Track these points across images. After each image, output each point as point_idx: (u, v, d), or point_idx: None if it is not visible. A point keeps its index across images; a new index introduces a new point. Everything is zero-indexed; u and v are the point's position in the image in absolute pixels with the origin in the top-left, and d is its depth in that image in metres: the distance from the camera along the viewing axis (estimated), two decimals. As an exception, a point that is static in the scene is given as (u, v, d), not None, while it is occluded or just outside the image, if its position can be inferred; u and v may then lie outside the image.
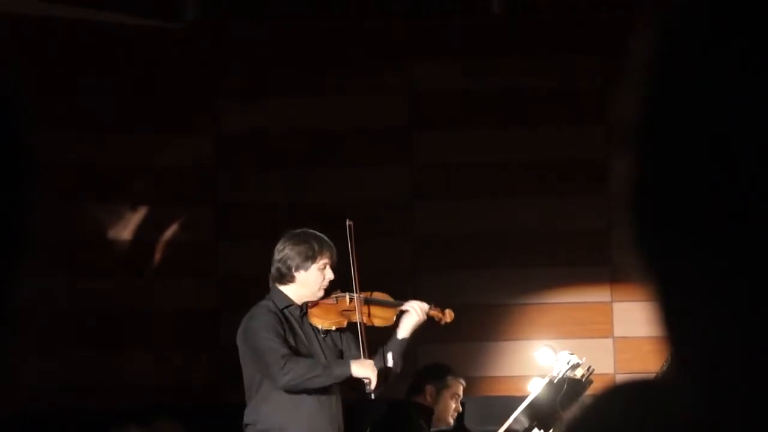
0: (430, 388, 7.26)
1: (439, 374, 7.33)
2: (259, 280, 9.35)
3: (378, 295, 6.69)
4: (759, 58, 0.80)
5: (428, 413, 7.10)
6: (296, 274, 6.41)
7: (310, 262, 6.38)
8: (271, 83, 9.44)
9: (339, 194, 9.33)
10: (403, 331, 6.53)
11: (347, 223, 6.55)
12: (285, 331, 6.35)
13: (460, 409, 7.30)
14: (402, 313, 6.61)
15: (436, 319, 6.71)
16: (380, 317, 6.59)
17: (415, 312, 6.55)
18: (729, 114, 0.80)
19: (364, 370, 6.30)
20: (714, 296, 0.81)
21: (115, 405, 8.94)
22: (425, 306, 6.60)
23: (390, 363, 6.44)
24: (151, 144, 9.31)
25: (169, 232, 9.32)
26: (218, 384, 9.17)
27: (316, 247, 6.38)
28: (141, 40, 9.30)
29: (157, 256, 9.30)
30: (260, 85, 9.44)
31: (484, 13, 9.38)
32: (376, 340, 6.62)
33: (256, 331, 6.30)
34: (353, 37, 9.45)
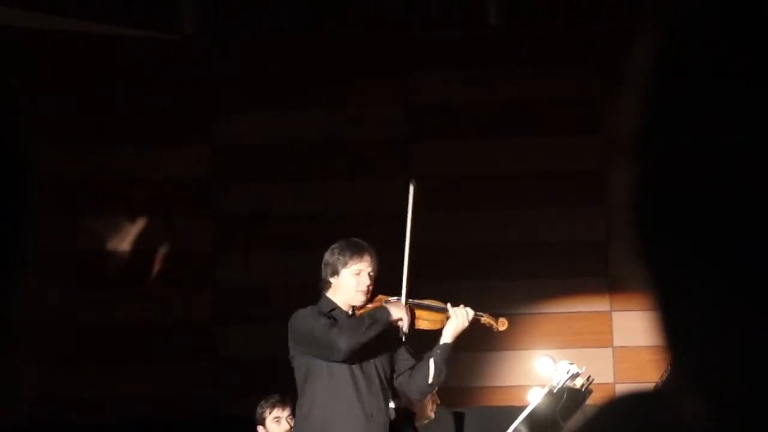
0: None
1: None
2: (257, 291, 9.37)
3: (426, 300, 6.79)
4: (760, 62, 0.80)
5: (409, 415, 7.06)
6: (332, 279, 6.58)
7: (341, 267, 6.55)
8: (269, 95, 9.45)
9: (337, 206, 9.34)
10: (445, 336, 6.68)
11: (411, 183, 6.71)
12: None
13: (438, 401, 7.24)
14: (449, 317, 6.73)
15: (488, 326, 6.82)
16: (428, 320, 6.70)
17: (456, 317, 6.65)
18: (729, 119, 0.80)
19: (398, 311, 6.50)
20: (714, 304, 0.81)
21: (113, 417, 8.94)
22: (470, 313, 6.68)
23: (432, 368, 6.54)
24: (149, 156, 9.32)
25: (167, 244, 9.32)
26: (216, 396, 9.16)
27: (349, 253, 6.56)
28: (139, 52, 9.31)
29: (155, 267, 9.30)
30: (258, 97, 9.45)
31: (482, 26, 9.38)
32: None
33: (303, 321, 6.47)
34: (351, 49, 9.46)
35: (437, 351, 6.64)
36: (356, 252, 6.58)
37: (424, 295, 6.85)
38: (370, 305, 6.62)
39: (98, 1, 9.13)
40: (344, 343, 6.37)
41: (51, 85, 9.01)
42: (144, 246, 9.25)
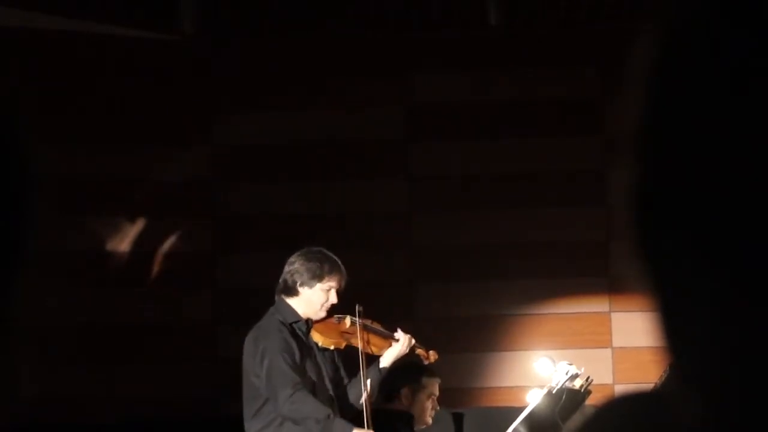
0: (405, 391, 7.14)
1: (413, 376, 7.20)
2: (257, 292, 9.35)
3: (376, 325, 6.77)
4: (760, 62, 0.80)
5: (408, 418, 7.05)
6: (300, 290, 6.47)
7: (316, 281, 6.44)
8: (269, 95, 9.44)
9: (337, 206, 9.34)
10: (386, 360, 6.68)
11: (357, 308, 6.61)
12: (296, 347, 6.41)
13: (438, 407, 7.23)
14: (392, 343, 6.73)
15: (421, 357, 6.86)
16: (376, 345, 6.73)
17: (403, 345, 6.67)
18: (729, 119, 0.80)
19: None
20: (714, 304, 0.81)
21: (113, 417, 8.93)
22: (412, 341, 6.71)
23: (368, 389, 6.54)
24: (149, 156, 9.31)
25: (167, 244, 9.31)
26: (216, 396, 9.16)
27: (326, 268, 6.45)
28: (140, 52, 9.30)
29: (155, 267, 9.29)
30: (258, 97, 9.45)
31: (482, 25, 9.38)
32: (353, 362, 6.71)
33: (274, 351, 6.34)
34: (351, 49, 9.45)
35: (376, 376, 6.64)
36: (335, 269, 6.48)
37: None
38: (328, 319, 6.59)
39: (98, 1, 9.13)
40: (287, 409, 6.28)
41: (51, 85, 9.00)
42: (144, 246, 9.25)
